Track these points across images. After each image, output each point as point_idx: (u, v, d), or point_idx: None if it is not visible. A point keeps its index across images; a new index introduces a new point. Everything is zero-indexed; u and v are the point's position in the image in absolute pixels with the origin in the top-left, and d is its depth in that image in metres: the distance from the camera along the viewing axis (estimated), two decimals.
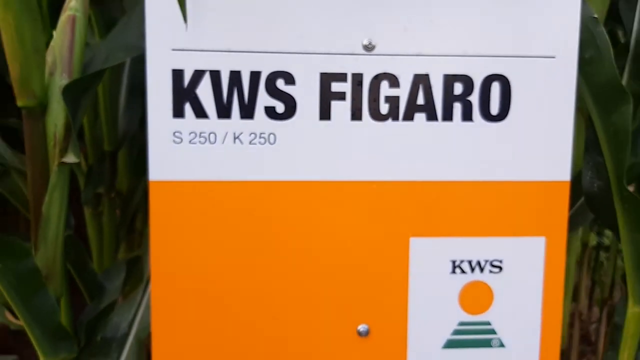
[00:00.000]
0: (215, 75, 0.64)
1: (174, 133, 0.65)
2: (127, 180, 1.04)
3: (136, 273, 0.89)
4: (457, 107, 0.67)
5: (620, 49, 0.92)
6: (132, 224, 1.13)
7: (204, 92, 0.64)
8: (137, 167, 1.04)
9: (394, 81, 0.66)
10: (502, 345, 0.72)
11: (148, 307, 0.81)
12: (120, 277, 0.87)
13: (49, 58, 0.67)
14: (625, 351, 0.82)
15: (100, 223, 1.00)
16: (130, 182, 1.06)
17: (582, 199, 0.88)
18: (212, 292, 0.67)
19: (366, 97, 0.66)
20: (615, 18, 0.95)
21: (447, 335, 0.71)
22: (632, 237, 0.76)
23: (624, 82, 0.90)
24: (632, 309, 0.80)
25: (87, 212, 1.02)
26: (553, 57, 0.67)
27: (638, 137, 0.83)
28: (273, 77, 0.65)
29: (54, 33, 0.67)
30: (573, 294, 1.67)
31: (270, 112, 0.65)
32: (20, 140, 1.17)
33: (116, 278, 0.87)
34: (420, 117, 0.67)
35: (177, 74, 0.64)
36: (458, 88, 0.67)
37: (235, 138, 0.66)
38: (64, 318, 0.77)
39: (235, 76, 0.65)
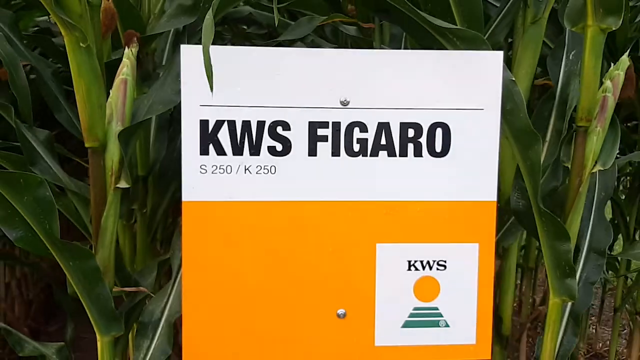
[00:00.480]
0: (232, 124, 0.88)
1: (200, 166, 0.88)
2: (152, 199, 1.27)
3: (165, 272, 1.11)
4: (410, 146, 0.91)
5: (550, 95, 1.16)
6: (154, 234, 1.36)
7: (223, 136, 0.88)
8: (161, 189, 1.27)
9: (363, 127, 0.90)
10: (447, 325, 0.95)
11: (176, 298, 1.04)
12: (152, 275, 1.10)
13: (107, 110, 0.90)
14: (548, 334, 1.05)
15: (132, 233, 1.22)
16: (154, 201, 1.29)
17: None
18: (228, 283, 0.90)
19: (343, 139, 0.90)
20: (545, 71, 1.19)
21: (405, 317, 0.94)
22: (550, 243, 1.00)
23: (551, 121, 1.14)
24: (552, 300, 1.03)
25: (120, 224, 1.24)
26: (482, 109, 0.91)
27: (558, 165, 1.07)
28: (274, 125, 0.88)
29: (111, 92, 0.91)
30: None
31: (272, 150, 0.89)
32: (75, 169, 1.41)
33: (148, 276, 1.10)
34: (383, 153, 0.91)
35: (204, 123, 0.87)
36: (411, 132, 0.90)
37: (245, 169, 0.89)
38: None
39: (246, 124, 0.88)
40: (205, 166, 0.88)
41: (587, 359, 2.37)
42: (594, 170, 0.99)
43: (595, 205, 1.20)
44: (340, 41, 1.56)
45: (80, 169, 1.48)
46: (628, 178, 2.28)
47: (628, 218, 1.83)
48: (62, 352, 1.22)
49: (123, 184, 0.91)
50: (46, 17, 1.93)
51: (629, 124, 1.90)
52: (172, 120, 1.22)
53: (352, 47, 1.49)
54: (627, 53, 1.01)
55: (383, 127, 0.90)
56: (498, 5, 1.15)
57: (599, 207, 1.20)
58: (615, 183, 1.71)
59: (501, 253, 1.21)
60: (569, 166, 1.01)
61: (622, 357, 2.28)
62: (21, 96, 1.12)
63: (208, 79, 0.72)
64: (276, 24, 1.00)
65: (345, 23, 1.36)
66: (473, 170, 0.92)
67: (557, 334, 1.08)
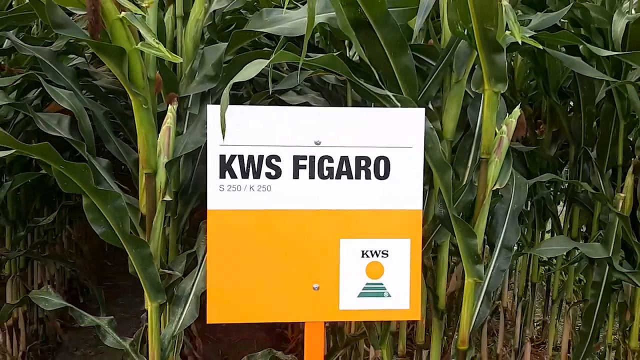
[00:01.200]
0: (240, 158, 1.30)
1: (219, 186, 1.31)
2: (180, 209, 1.70)
3: (192, 262, 1.53)
4: (362, 172, 1.33)
5: (470, 133, 1.58)
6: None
7: (235, 166, 1.31)
8: (184, 201, 1.69)
9: (330, 159, 1.33)
10: (389, 295, 1.37)
11: (202, 279, 1.46)
12: (182, 263, 1.52)
13: (157, 148, 1.34)
14: (465, 305, 1.47)
15: (165, 233, 1.64)
16: (180, 211, 1.71)
17: None
18: (238, 264, 1.32)
19: (316, 167, 1.33)
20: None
21: (360, 290, 1.36)
22: (463, 240, 1.42)
23: (471, 152, 1.56)
24: (467, 280, 1.46)
25: None
26: (411, 147, 1.34)
27: (472, 184, 1.49)
28: (269, 158, 1.31)
29: (160, 135, 1.34)
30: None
31: (268, 175, 1.32)
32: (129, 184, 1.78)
33: (179, 264, 1.53)
34: (344, 177, 1.33)
35: (222, 157, 1.30)
36: (362, 163, 1.33)
37: (250, 188, 1.32)
38: None
39: (250, 158, 1.31)
40: (223, 186, 1.31)
41: (534, 345, 2.78)
42: (493, 189, 1.42)
43: (509, 213, 1.63)
44: (326, 85, 1.98)
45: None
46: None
47: None
48: (112, 323, 1.64)
49: (167, 198, 1.35)
50: (82, 60, 2.35)
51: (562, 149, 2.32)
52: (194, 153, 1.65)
53: (333, 90, 1.92)
54: (519, 106, 1.44)
55: (344, 159, 1.33)
56: (433, 64, 1.58)
57: (512, 215, 1.63)
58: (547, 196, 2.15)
59: (434, 247, 1.63)
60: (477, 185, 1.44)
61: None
62: (87, 136, 1.55)
63: (222, 132, 1.15)
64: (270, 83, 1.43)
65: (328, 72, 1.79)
66: (405, 189, 1.35)
67: (473, 306, 1.50)
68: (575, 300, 2.32)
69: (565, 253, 2.14)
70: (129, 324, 3.04)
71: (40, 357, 2.86)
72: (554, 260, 2.39)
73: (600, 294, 2.03)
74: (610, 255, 1.78)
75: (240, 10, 1.93)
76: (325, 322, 1.46)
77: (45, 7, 1.18)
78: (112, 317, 1.67)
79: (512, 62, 2.24)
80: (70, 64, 2.26)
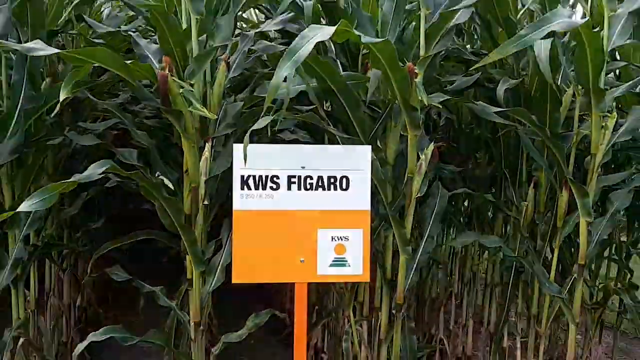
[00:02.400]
0: (254, 177, 2.07)
1: (240, 195, 2.07)
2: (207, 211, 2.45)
3: (219, 246, 2.28)
4: (332, 186, 2.10)
5: (405, 160, 2.35)
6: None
7: (250, 182, 2.07)
8: (211, 206, 2.44)
9: (311, 178, 2.09)
10: (349, 266, 2.12)
11: (227, 254, 2.21)
12: (212, 247, 2.27)
13: (199, 171, 2.10)
14: (400, 277, 2.23)
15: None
16: (208, 212, 2.47)
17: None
18: (251, 242, 2.07)
19: (302, 183, 2.09)
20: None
21: (330, 262, 2.12)
22: (398, 230, 2.18)
23: (405, 173, 2.33)
24: (402, 257, 2.22)
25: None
26: (363, 170, 2.10)
27: (404, 195, 2.26)
28: (272, 177, 2.08)
29: (201, 162, 2.10)
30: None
31: (271, 188, 2.08)
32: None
33: (210, 247, 2.27)
34: (320, 189, 2.10)
35: (242, 176, 2.06)
36: (332, 180, 2.10)
37: (259, 196, 2.08)
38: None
39: (260, 177, 2.07)
40: (243, 195, 2.07)
41: (476, 322, 3.51)
42: (416, 197, 2.18)
43: (434, 215, 2.40)
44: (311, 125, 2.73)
45: None
46: None
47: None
48: (162, 290, 2.39)
49: (206, 202, 2.11)
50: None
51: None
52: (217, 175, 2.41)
53: (315, 128, 2.68)
54: (432, 142, 2.21)
55: (320, 177, 2.09)
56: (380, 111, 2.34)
57: (436, 216, 2.40)
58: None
59: (385, 237, 2.39)
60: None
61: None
62: (154, 164, 2.31)
63: (244, 160, 1.90)
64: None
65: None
66: (359, 197, 2.11)
67: (405, 275, 2.26)
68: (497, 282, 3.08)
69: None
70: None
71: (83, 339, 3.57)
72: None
73: (511, 275, 2.81)
74: (501, 245, 2.54)
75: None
76: (308, 284, 2.21)
77: (136, 87, 1.95)
78: (162, 286, 2.42)
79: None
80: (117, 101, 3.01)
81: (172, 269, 2.80)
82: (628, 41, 2.33)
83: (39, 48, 1.69)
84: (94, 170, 1.79)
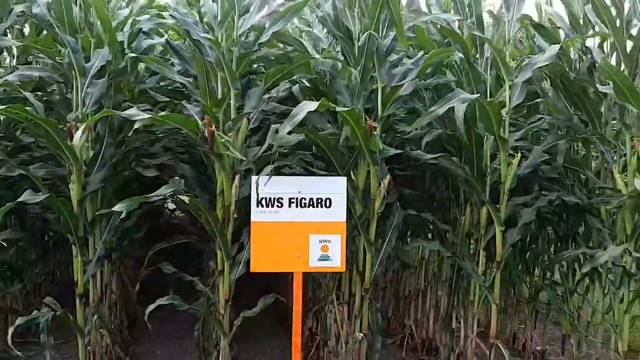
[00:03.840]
0: (265, 198, 3.05)
1: (256, 211, 3.05)
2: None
3: (240, 246, 3.24)
4: (319, 205, 3.08)
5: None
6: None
7: (263, 202, 3.05)
8: (235, 218, 3.42)
9: (305, 199, 3.08)
10: (331, 260, 3.09)
11: (246, 255, 3.18)
12: (235, 248, 3.24)
13: (232, 194, 3.09)
14: (367, 269, 3.21)
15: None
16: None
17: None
18: (263, 244, 3.05)
19: (299, 202, 3.07)
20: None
21: (318, 257, 3.09)
22: (364, 236, 3.16)
23: (370, 195, 3.32)
24: (368, 254, 3.19)
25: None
26: (340, 194, 3.09)
27: (370, 211, 3.24)
28: (278, 198, 3.06)
29: (232, 190, 3.09)
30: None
31: (277, 205, 3.06)
32: None
33: (234, 248, 3.24)
34: (311, 207, 3.08)
35: (258, 198, 3.05)
36: (319, 200, 3.08)
37: (269, 211, 3.06)
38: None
39: (269, 198, 3.06)
40: (257, 211, 3.05)
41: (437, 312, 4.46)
42: (377, 212, 3.17)
43: (393, 226, 3.38)
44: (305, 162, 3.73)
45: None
46: None
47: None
48: (200, 279, 3.36)
49: (235, 215, 3.10)
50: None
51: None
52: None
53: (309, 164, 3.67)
54: (389, 174, 3.20)
55: (311, 199, 3.07)
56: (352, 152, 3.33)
57: (395, 227, 3.38)
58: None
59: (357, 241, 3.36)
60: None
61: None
62: (200, 189, 3.30)
63: (256, 191, 2.88)
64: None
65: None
66: (337, 212, 3.09)
67: (371, 267, 3.23)
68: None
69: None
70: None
71: (126, 329, 4.53)
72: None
73: (455, 268, 3.78)
74: (440, 248, 3.52)
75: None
76: (303, 273, 3.16)
77: (192, 137, 2.95)
78: (198, 276, 3.40)
79: None
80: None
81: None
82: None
83: (136, 114, 2.67)
84: (165, 191, 2.78)
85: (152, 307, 2.96)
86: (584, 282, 3.75)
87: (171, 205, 7.31)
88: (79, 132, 2.90)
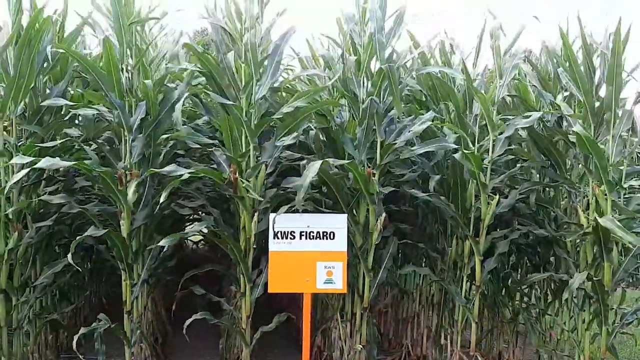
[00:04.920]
0: (280, 232, 3.69)
1: (273, 242, 3.69)
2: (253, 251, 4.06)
3: (259, 272, 3.86)
4: (325, 237, 3.72)
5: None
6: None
7: (279, 234, 3.69)
8: (254, 248, 4.05)
9: (313, 232, 3.72)
10: (335, 283, 3.71)
11: (265, 276, 3.80)
12: (255, 272, 3.86)
13: (252, 226, 3.74)
14: (366, 291, 3.82)
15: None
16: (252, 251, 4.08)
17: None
18: (279, 269, 3.68)
19: (308, 235, 3.71)
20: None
21: (324, 281, 3.71)
22: (363, 263, 3.78)
23: (368, 229, 3.96)
24: (366, 278, 3.81)
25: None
26: (342, 228, 3.72)
27: (369, 242, 3.87)
28: (291, 232, 3.71)
29: (253, 223, 3.74)
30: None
31: (290, 238, 3.71)
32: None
33: (255, 273, 3.87)
34: (318, 239, 3.72)
35: (274, 232, 3.69)
36: (325, 234, 3.72)
37: (283, 242, 3.70)
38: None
39: (283, 232, 3.70)
40: (274, 242, 3.69)
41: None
42: (374, 244, 3.79)
43: (389, 254, 4.00)
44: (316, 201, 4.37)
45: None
46: None
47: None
48: (226, 299, 3.98)
49: (254, 246, 3.73)
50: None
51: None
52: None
53: (318, 202, 4.31)
54: (384, 213, 3.83)
55: (318, 232, 3.71)
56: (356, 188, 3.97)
57: (390, 255, 4.00)
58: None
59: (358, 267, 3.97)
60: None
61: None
62: (227, 225, 3.96)
63: (273, 227, 3.53)
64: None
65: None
66: (339, 243, 3.72)
67: (369, 290, 3.84)
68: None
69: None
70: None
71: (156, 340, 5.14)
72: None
73: (443, 292, 4.38)
74: (428, 273, 4.13)
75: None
76: (311, 294, 3.77)
77: (220, 184, 3.61)
78: (224, 297, 4.03)
79: None
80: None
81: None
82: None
83: (175, 170, 3.34)
84: (199, 226, 3.44)
85: (189, 320, 3.59)
86: (555, 305, 4.33)
87: (192, 238, 8.03)
88: (133, 183, 3.57)
